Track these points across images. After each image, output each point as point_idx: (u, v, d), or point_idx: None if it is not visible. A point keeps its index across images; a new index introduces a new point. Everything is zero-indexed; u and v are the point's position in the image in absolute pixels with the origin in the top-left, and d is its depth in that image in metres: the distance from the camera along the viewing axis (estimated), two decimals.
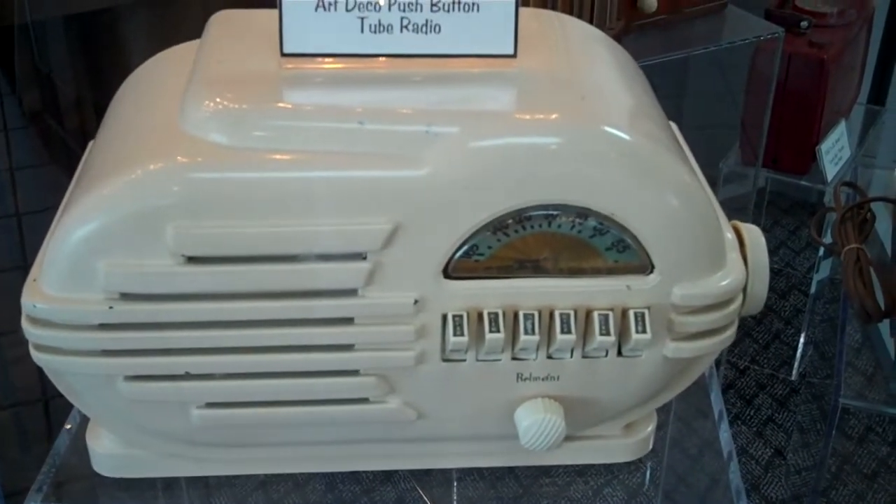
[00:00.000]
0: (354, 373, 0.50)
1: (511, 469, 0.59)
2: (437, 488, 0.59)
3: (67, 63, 1.38)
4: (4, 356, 1.18)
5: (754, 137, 1.26)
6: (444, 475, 0.59)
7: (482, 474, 0.60)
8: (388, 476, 0.60)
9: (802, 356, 1.43)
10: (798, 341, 1.45)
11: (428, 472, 0.58)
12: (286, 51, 0.49)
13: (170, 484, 0.57)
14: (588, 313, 0.49)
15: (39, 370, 0.51)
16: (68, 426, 0.59)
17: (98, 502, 0.57)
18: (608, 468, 0.58)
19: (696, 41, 1.15)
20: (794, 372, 1.42)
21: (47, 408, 1.19)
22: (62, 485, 0.57)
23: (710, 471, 0.61)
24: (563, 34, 0.55)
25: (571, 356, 0.50)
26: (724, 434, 0.59)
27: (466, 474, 0.59)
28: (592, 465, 0.58)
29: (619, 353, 0.50)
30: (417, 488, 0.60)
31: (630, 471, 0.58)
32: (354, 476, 0.59)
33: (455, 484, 0.60)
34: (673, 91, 1.45)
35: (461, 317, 0.48)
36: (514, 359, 0.50)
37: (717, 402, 0.61)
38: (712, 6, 1.19)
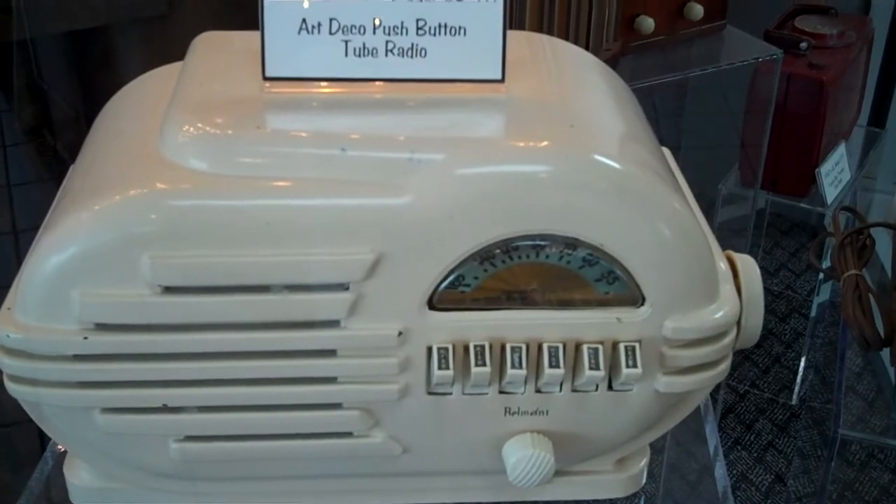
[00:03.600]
0: (337, 406, 0.49)
1: None
2: None
3: (65, 80, 1.38)
4: None
5: (754, 159, 1.25)
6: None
7: None
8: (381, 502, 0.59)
9: (803, 380, 1.42)
10: (799, 365, 1.44)
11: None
12: (269, 74, 0.48)
13: None
14: (577, 346, 0.47)
15: None
16: (60, 448, 0.58)
17: None
18: None
19: (695, 62, 1.14)
20: (795, 396, 1.41)
21: (41, 429, 1.17)
22: None
23: (709, 497, 0.59)
24: (554, 59, 0.54)
25: (560, 390, 0.48)
26: (720, 471, 0.57)
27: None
28: None
29: (610, 388, 0.49)
30: None
31: (627, 497, 0.57)
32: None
33: None
34: (672, 112, 1.45)
35: (446, 349, 0.47)
36: (501, 393, 0.48)
37: (712, 436, 0.59)
38: (711, 27, 1.18)
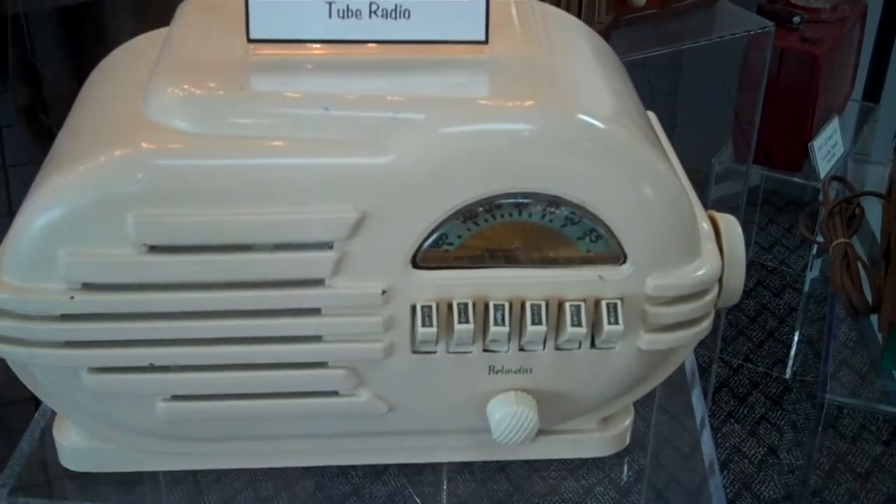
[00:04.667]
0: (323, 365, 0.49)
1: (502, 467, 0.58)
2: (427, 486, 0.59)
3: (59, 57, 1.37)
4: None
5: (747, 133, 1.25)
6: (435, 473, 0.58)
7: (473, 472, 0.59)
8: (377, 474, 0.59)
9: (796, 354, 1.43)
10: (792, 339, 1.44)
11: (418, 470, 0.57)
12: (253, 36, 0.48)
13: (154, 478, 0.56)
14: (560, 304, 0.48)
15: None
16: (54, 428, 0.58)
17: (70, 496, 0.55)
18: (599, 466, 0.57)
19: (687, 35, 1.14)
20: (788, 370, 1.42)
21: (37, 406, 1.18)
22: (34, 479, 0.56)
23: (701, 470, 0.59)
24: (541, 22, 0.54)
25: (544, 348, 0.49)
26: (707, 443, 0.57)
27: (457, 472, 0.59)
28: (584, 463, 0.57)
29: (593, 346, 0.49)
30: (408, 486, 0.59)
31: (622, 467, 0.57)
32: (344, 473, 0.58)
33: (445, 482, 0.59)
34: (667, 88, 1.45)
35: (430, 307, 0.47)
36: (485, 351, 0.49)
37: (699, 406, 0.59)
38: (703, 0, 1.18)
